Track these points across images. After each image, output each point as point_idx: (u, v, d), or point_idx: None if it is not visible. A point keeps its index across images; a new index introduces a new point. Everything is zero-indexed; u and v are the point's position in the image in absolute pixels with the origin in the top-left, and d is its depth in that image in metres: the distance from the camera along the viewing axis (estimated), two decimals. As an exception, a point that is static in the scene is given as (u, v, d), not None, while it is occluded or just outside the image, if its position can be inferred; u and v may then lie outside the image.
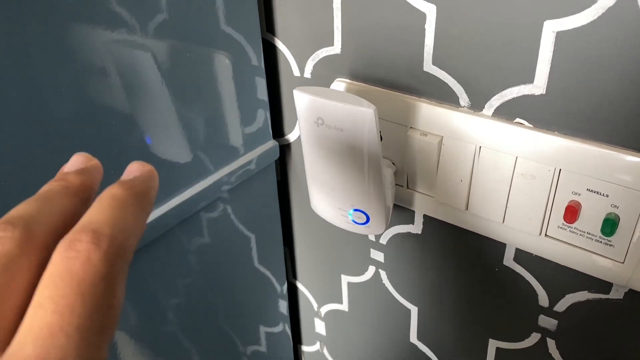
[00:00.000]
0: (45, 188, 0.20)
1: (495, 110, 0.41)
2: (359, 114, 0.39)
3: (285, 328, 0.71)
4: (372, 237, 0.57)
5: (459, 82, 0.42)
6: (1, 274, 0.16)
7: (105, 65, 0.39)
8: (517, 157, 0.40)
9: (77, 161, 0.22)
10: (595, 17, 0.34)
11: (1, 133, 0.34)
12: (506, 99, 0.40)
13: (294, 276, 0.70)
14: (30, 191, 0.36)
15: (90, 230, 0.17)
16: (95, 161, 0.22)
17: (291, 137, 0.58)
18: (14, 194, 0.36)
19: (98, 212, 0.18)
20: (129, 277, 0.48)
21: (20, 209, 0.18)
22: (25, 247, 0.17)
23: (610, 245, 0.39)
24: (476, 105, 0.42)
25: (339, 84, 0.49)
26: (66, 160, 0.38)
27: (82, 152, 0.22)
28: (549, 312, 0.47)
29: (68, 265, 0.16)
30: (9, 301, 0.16)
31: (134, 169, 0.22)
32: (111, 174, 0.42)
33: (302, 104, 0.42)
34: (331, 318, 0.69)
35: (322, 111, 0.41)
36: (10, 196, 0.36)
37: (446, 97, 0.43)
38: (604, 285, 0.42)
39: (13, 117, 0.35)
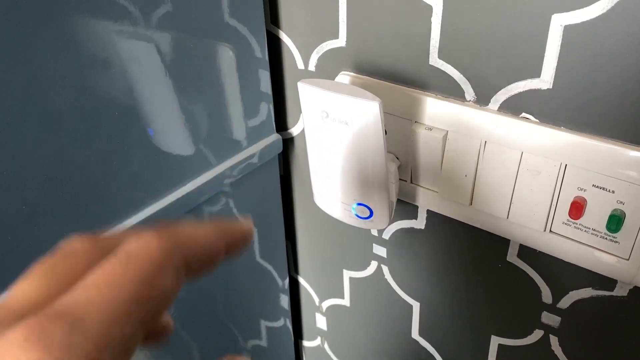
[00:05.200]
0: None
1: (501, 104, 0.41)
2: (364, 106, 0.38)
3: (287, 323, 0.71)
4: (374, 232, 0.57)
5: (464, 76, 0.42)
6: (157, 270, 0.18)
7: (108, 56, 0.39)
8: (522, 152, 0.40)
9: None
10: (604, 10, 0.34)
11: (3, 125, 0.34)
12: (512, 93, 0.40)
13: (296, 271, 0.70)
14: (32, 183, 0.36)
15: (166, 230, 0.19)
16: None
17: (294, 130, 0.58)
18: (16, 186, 0.36)
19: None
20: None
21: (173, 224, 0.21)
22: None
23: (616, 241, 0.39)
24: (482, 100, 0.42)
25: (344, 77, 0.48)
26: (68, 152, 0.38)
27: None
28: (552, 309, 0.46)
29: (125, 246, 0.18)
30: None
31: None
32: (113, 165, 0.42)
33: (307, 96, 0.41)
34: (332, 313, 0.69)
35: (326, 104, 0.40)
36: (12, 188, 0.35)
37: (452, 91, 0.43)
38: (609, 282, 0.42)
39: (15, 108, 0.34)
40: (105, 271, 0.17)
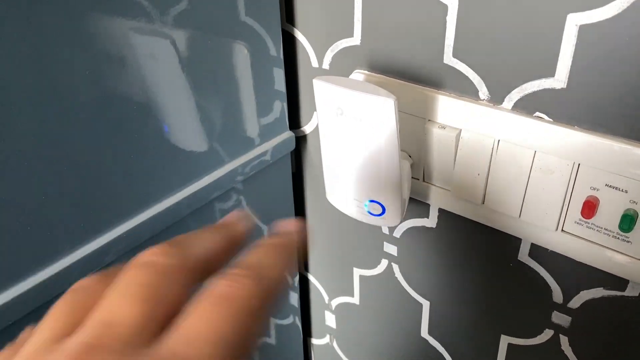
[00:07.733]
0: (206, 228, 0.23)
1: (514, 103, 0.41)
2: (379, 103, 0.39)
3: (296, 320, 0.71)
4: (385, 231, 0.57)
5: (478, 74, 0.42)
6: (163, 278, 0.19)
7: (125, 53, 0.39)
8: (535, 152, 0.40)
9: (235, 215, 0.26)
10: (620, 10, 0.34)
11: (21, 120, 0.34)
12: (526, 92, 0.40)
13: (306, 268, 0.70)
14: (49, 177, 0.37)
15: (252, 268, 0.20)
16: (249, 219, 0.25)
17: (307, 128, 0.58)
18: (33, 180, 0.36)
19: (257, 256, 0.21)
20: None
21: (179, 237, 0.22)
22: (181, 265, 0.20)
23: (628, 241, 0.39)
24: (496, 99, 0.42)
25: (358, 76, 0.49)
26: (84, 147, 0.38)
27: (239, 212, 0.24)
28: (563, 308, 0.47)
29: (226, 290, 0.18)
30: (165, 303, 0.18)
31: (288, 225, 0.25)
32: (131, 158, 0.42)
33: (322, 93, 0.42)
34: (342, 311, 0.69)
35: (341, 100, 0.41)
36: (29, 182, 0.36)
37: (465, 90, 0.43)
38: (620, 283, 0.42)
39: (33, 104, 0.35)
40: (200, 313, 0.18)
